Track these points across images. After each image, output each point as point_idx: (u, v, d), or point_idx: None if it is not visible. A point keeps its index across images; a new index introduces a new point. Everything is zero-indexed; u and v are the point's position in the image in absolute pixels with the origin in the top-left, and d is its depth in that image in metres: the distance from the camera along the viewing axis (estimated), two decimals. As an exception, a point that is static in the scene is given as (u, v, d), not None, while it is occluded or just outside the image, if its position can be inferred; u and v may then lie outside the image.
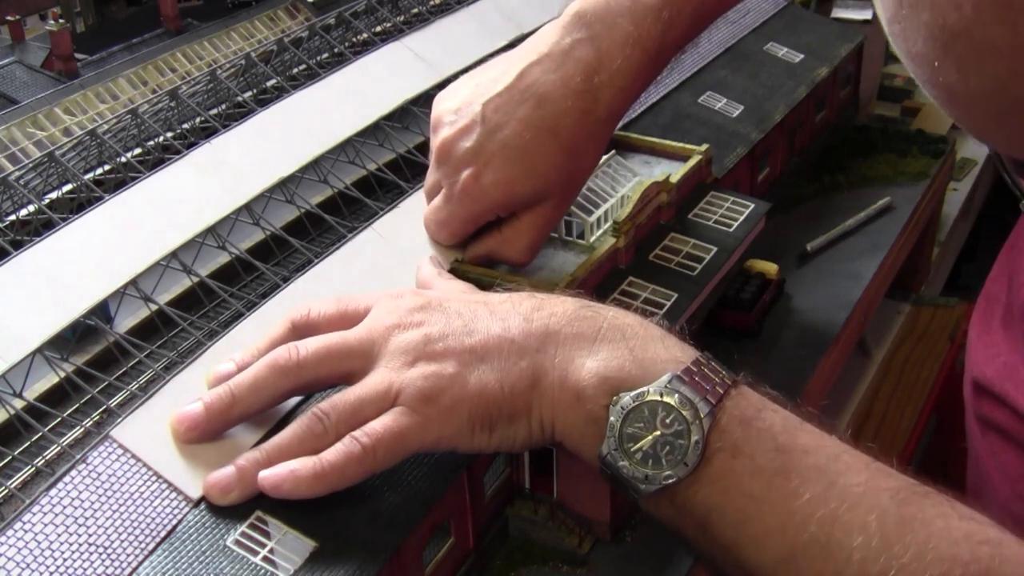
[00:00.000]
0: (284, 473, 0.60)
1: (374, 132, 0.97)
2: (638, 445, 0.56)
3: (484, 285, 0.75)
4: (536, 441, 0.62)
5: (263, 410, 0.65)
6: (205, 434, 0.64)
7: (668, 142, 0.98)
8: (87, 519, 0.59)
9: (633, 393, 0.57)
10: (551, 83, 0.75)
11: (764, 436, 0.56)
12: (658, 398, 0.56)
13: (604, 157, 0.90)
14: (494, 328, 0.62)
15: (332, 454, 0.60)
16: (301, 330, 0.67)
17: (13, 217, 0.85)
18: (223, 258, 0.85)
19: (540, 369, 0.60)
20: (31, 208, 0.85)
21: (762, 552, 0.54)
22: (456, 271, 0.79)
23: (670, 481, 0.55)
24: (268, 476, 0.60)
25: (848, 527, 0.51)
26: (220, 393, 0.63)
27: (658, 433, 0.56)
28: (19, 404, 0.69)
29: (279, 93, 0.99)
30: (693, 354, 0.59)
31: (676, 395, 0.56)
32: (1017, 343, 0.68)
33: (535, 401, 0.60)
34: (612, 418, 0.57)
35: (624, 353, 0.59)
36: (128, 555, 0.58)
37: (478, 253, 0.81)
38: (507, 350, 0.61)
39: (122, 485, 0.61)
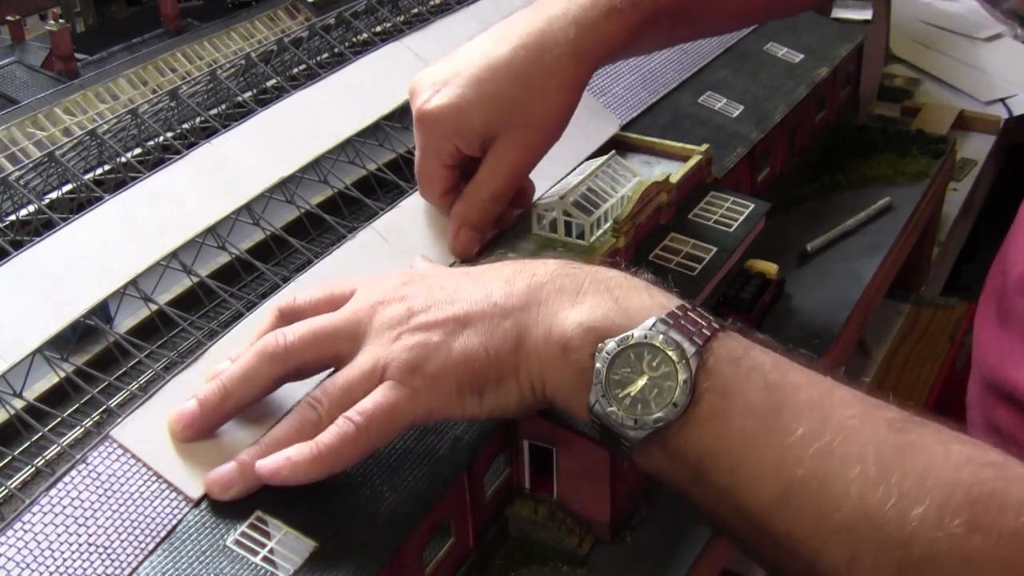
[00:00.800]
0: (281, 460, 0.60)
1: (374, 132, 0.97)
2: (626, 391, 0.56)
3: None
4: (529, 404, 0.61)
5: (257, 400, 0.65)
6: (202, 430, 0.64)
7: (668, 142, 0.98)
8: (87, 519, 0.59)
9: (618, 338, 0.56)
10: (515, 26, 0.80)
11: (754, 375, 0.55)
12: (643, 340, 0.56)
13: (604, 157, 0.90)
14: (476, 295, 0.62)
15: (326, 436, 0.60)
16: (288, 317, 0.67)
17: (13, 217, 0.85)
18: (223, 258, 0.85)
19: (524, 328, 0.60)
20: (31, 208, 0.85)
21: (758, 493, 0.53)
22: (456, 271, 0.79)
23: (660, 424, 0.55)
24: (265, 464, 0.60)
25: (844, 459, 0.50)
26: (212, 388, 0.64)
27: (646, 377, 0.55)
28: (19, 404, 0.69)
29: (279, 93, 0.99)
30: (679, 301, 0.59)
31: (661, 337, 0.56)
32: (1014, 333, 0.68)
33: (522, 360, 0.60)
34: (598, 365, 0.57)
35: (608, 303, 0.59)
36: (128, 555, 0.58)
37: (454, 226, 0.82)
38: (490, 313, 0.61)
39: (122, 485, 0.61)
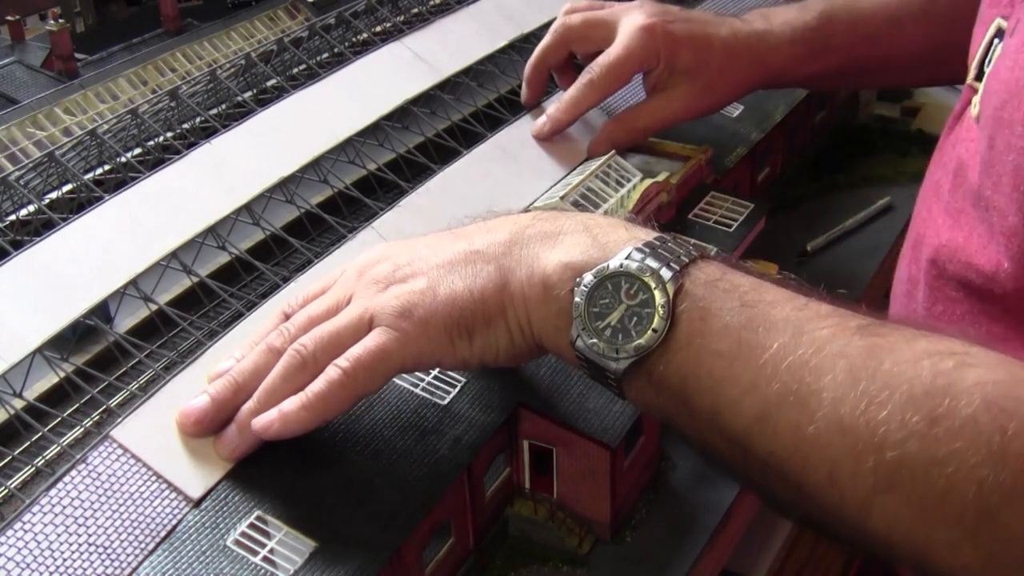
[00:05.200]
0: (273, 415, 0.61)
1: (374, 132, 0.97)
2: (606, 322, 0.56)
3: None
4: (520, 348, 0.62)
5: None
6: (212, 426, 0.64)
7: (668, 142, 0.98)
8: (87, 519, 0.59)
9: (594, 270, 0.57)
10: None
11: (730, 295, 0.55)
12: (619, 270, 0.56)
13: (604, 157, 0.90)
14: (459, 246, 0.63)
15: (315, 384, 0.61)
16: (290, 316, 0.68)
17: (13, 217, 0.85)
18: (223, 258, 0.85)
19: (507, 270, 0.61)
20: (31, 208, 0.85)
21: (739, 414, 0.52)
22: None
23: (641, 352, 0.55)
24: (258, 421, 0.61)
25: (817, 370, 0.50)
26: (224, 383, 0.64)
27: (624, 306, 0.55)
28: (19, 404, 0.69)
29: (279, 93, 0.99)
30: (658, 233, 0.59)
31: (637, 265, 0.56)
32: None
33: (507, 301, 0.60)
34: (577, 299, 0.57)
35: (586, 240, 0.59)
36: (128, 555, 0.58)
37: (602, 137, 0.94)
38: (473, 259, 0.62)
39: (122, 485, 0.61)
